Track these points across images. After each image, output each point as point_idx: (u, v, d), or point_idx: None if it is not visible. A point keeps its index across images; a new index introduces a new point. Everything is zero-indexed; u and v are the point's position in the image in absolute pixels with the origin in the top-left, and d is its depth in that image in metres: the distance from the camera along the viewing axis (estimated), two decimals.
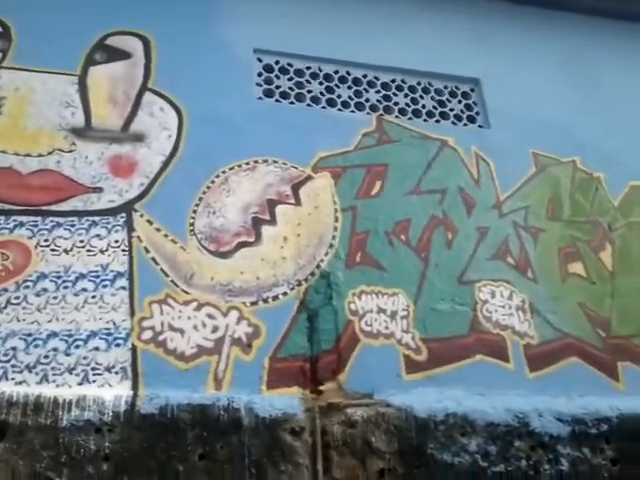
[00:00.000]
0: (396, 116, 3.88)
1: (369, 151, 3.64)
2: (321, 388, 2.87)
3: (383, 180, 3.55)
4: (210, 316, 2.90)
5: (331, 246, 3.25)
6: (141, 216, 3.03)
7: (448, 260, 3.41)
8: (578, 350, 3.32)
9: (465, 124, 4.02)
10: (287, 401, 2.75)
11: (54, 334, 2.68)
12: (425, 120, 3.93)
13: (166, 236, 3.01)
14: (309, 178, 3.42)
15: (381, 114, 3.85)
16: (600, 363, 3.33)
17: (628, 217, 3.88)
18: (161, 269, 2.93)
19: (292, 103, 3.73)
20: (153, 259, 2.95)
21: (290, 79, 3.81)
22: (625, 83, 4.43)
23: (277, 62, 3.84)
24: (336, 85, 3.89)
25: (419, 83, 4.08)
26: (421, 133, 3.81)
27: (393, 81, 4.03)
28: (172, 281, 2.93)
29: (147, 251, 2.95)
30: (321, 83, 3.86)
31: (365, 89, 3.94)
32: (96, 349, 2.70)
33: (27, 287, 2.76)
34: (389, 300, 3.18)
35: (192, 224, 3.09)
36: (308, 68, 3.88)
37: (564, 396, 3.13)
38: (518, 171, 3.84)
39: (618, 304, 3.54)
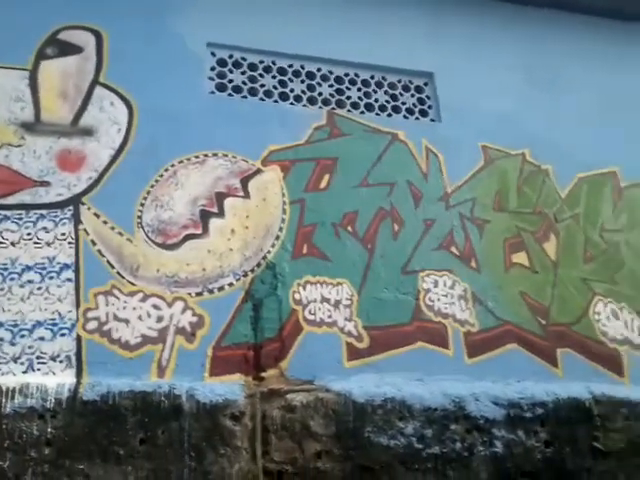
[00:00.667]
0: (348, 110, 3.96)
1: (319, 145, 3.72)
2: (263, 375, 2.97)
3: (332, 173, 3.64)
4: (155, 306, 2.98)
5: (278, 238, 3.34)
6: (88, 209, 3.10)
7: (393, 251, 3.51)
8: (518, 337, 3.45)
9: (417, 118, 4.10)
10: (228, 387, 2.86)
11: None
12: (377, 114, 4.02)
13: (113, 229, 3.08)
14: (258, 171, 3.50)
15: (333, 108, 3.92)
16: (539, 350, 3.45)
17: (574, 208, 4.00)
18: (107, 261, 3.01)
19: (244, 97, 3.79)
20: (99, 251, 3.02)
21: (243, 73, 3.87)
22: (578, 76, 4.50)
23: (231, 56, 3.90)
24: (289, 79, 3.95)
25: (372, 77, 4.15)
26: (372, 127, 3.89)
27: (346, 75, 4.10)
28: (118, 273, 3.01)
29: (94, 244, 3.02)
30: (274, 77, 3.92)
31: (318, 83, 4.01)
32: (41, 339, 2.78)
33: None
34: (333, 290, 3.28)
35: (140, 217, 3.17)
36: (262, 62, 3.94)
37: (502, 381, 3.26)
38: (467, 164, 3.94)
39: (559, 293, 3.66)
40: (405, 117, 4.08)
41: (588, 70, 4.57)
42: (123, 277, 3.00)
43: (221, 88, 3.78)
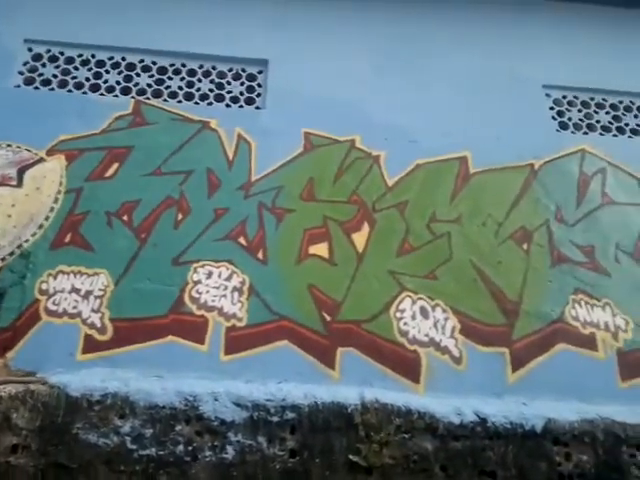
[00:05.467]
0: (164, 100, 3.84)
1: (116, 134, 3.61)
2: None
3: (122, 162, 3.52)
4: None
5: (41, 227, 3.25)
6: None
7: (170, 241, 3.31)
8: (292, 334, 3.12)
9: (241, 106, 3.90)
10: None
11: None
12: (196, 103, 3.87)
13: None
14: (40, 161, 3.44)
15: (147, 98, 3.82)
16: (316, 349, 3.10)
17: (402, 197, 3.61)
18: None
19: (52, 90, 3.78)
20: None
21: (57, 67, 3.87)
22: (433, 61, 4.13)
23: (48, 51, 3.92)
24: (106, 71, 3.91)
25: (201, 66, 4.02)
26: (183, 116, 3.74)
27: (172, 65, 4.00)
28: None
29: None
30: (90, 69, 3.89)
31: (137, 74, 3.93)
32: None
33: None
34: (87, 280, 3.14)
35: None
36: (80, 55, 3.93)
37: (259, 381, 2.95)
38: (284, 152, 3.68)
39: (358, 288, 3.29)
40: (228, 105, 3.90)
41: (442, 54, 4.18)
42: None
43: (29, 82, 3.80)
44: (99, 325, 3.03)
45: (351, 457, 2.78)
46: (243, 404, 2.84)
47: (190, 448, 2.74)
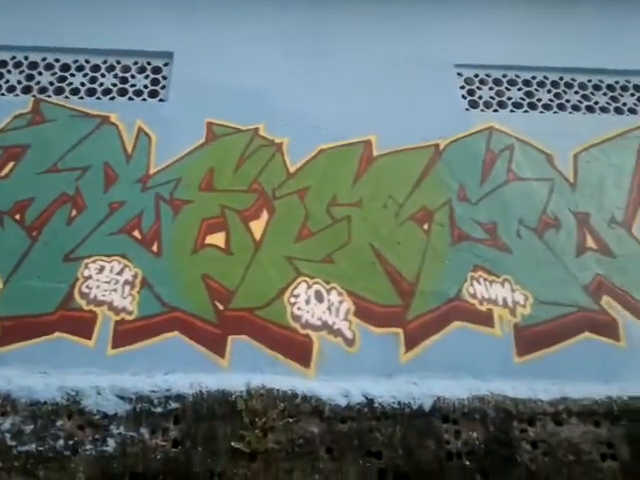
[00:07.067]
0: (66, 97, 3.82)
1: (13, 133, 3.60)
2: None
3: (17, 161, 3.50)
4: None
5: None
6: None
7: (63, 237, 3.31)
8: (184, 325, 3.11)
9: (144, 99, 3.88)
10: None
11: None
12: (98, 98, 3.85)
13: None
14: None
15: (49, 96, 3.80)
16: (207, 338, 3.09)
17: (303, 183, 3.59)
18: None
19: None
20: None
21: None
22: (332, 45, 4.10)
23: None
24: (8, 71, 3.89)
25: (105, 62, 4.00)
26: (83, 112, 3.72)
27: (75, 61, 3.98)
28: None
29: None
30: None
31: (39, 72, 3.92)
32: None
33: None
34: None
35: None
36: None
37: (146, 373, 2.95)
38: (185, 143, 3.66)
39: (253, 275, 3.28)
40: (130, 99, 3.88)
41: (351, 39, 4.15)
42: None
43: None
44: None
45: (234, 444, 2.77)
46: (126, 396, 2.84)
47: (71, 442, 2.74)
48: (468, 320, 3.24)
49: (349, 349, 3.12)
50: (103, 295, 3.15)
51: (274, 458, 2.78)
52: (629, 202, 3.73)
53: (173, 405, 2.84)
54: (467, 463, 2.86)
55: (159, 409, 2.83)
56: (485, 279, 3.36)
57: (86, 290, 3.16)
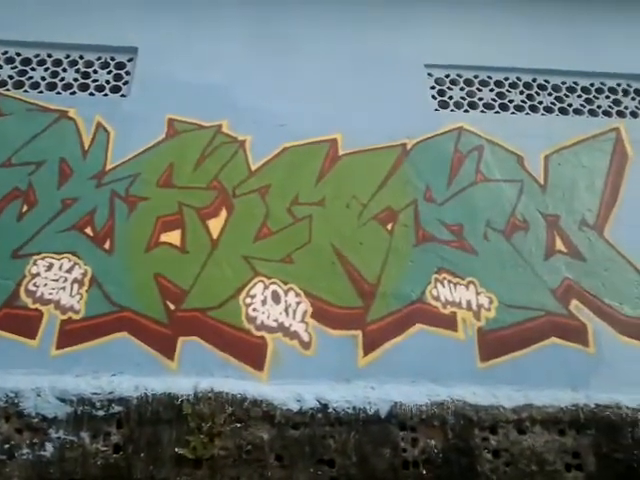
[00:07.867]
0: (25, 91, 3.73)
1: None
2: None
3: None
4: None
5: None
6: None
7: (12, 233, 3.19)
8: (133, 325, 2.99)
9: (106, 94, 3.79)
10: None
11: None
12: (58, 93, 3.75)
13: None
14: None
15: (7, 89, 3.71)
16: (156, 339, 2.97)
17: (265, 181, 3.48)
18: None
19: None
20: None
21: None
22: (301, 43, 4.02)
23: None
24: None
25: (68, 56, 3.91)
26: (41, 106, 3.62)
27: (37, 56, 3.89)
28: None
29: None
30: None
31: (0, 66, 3.82)
32: None
33: None
34: None
35: None
36: None
37: (91, 375, 2.82)
38: (145, 139, 3.56)
39: (208, 275, 3.16)
40: (91, 94, 3.78)
41: (319, 37, 4.07)
42: None
43: None
44: None
45: (178, 450, 2.64)
46: (67, 399, 2.71)
47: (7, 446, 2.61)
48: (430, 323, 3.13)
49: (305, 352, 3.00)
50: (50, 293, 3.03)
51: (220, 465, 2.65)
52: (601, 205, 3.64)
53: (116, 408, 2.71)
54: (424, 472, 2.73)
55: (101, 412, 2.70)
56: (449, 281, 3.26)
57: (33, 288, 3.04)
